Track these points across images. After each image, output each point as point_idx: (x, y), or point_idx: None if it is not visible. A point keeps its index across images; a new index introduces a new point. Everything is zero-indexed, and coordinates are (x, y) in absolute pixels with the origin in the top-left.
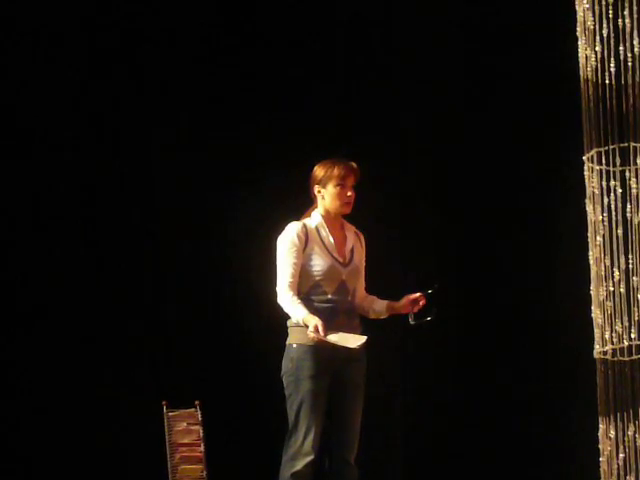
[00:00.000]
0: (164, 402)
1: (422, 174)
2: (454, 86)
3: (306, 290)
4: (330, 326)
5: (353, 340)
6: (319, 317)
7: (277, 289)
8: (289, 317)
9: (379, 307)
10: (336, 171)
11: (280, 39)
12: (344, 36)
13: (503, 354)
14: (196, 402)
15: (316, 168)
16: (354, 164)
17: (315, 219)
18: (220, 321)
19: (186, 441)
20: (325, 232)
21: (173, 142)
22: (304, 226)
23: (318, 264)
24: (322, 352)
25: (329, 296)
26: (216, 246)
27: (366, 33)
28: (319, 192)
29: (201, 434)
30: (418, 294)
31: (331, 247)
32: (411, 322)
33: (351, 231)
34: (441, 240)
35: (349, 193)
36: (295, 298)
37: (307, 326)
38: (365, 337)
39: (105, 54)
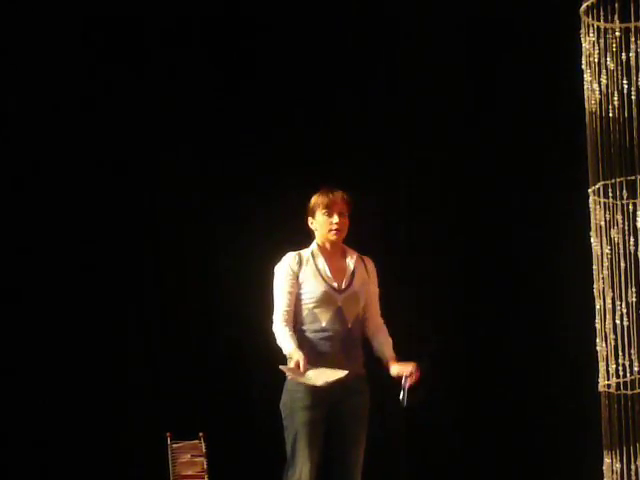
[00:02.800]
0: (168, 434)
1: (431, 211)
2: (459, 121)
3: (301, 320)
4: (324, 357)
5: (324, 376)
6: (310, 350)
7: (272, 318)
8: None
9: (382, 355)
10: (320, 199)
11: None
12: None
13: (507, 389)
14: (200, 434)
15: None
16: (341, 192)
17: (311, 248)
18: (224, 354)
19: (190, 473)
20: (320, 259)
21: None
22: (298, 255)
23: (311, 290)
24: (311, 386)
25: (323, 324)
26: (219, 279)
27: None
28: (312, 223)
29: (205, 466)
30: (409, 369)
31: (325, 273)
32: (403, 404)
33: (354, 257)
34: (448, 271)
35: (335, 220)
36: (286, 330)
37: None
38: (344, 372)
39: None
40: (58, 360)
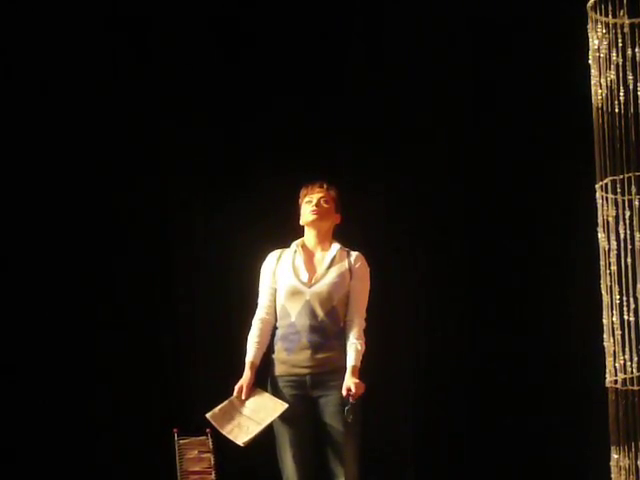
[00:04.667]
0: (175, 429)
1: (435, 205)
2: (464, 113)
3: (276, 315)
4: (293, 352)
5: (253, 425)
6: (282, 344)
7: None
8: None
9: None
10: (302, 190)
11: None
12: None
13: (515, 384)
14: (207, 430)
15: None
16: (323, 182)
17: (296, 242)
18: (232, 350)
19: (197, 469)
20: (299, 254)
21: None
22: (281, 251)
23: (282, 285)
24: (290, 381)
25: (292, 319)
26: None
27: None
28: (300, 217)
29: (212, 462)
30: (348, 386)
31: (297, 267)
32: (347, 417)
33: (335, 251)
34: (451, 268)
35: (314, 203)
36: (256, 333)
37: None
38: (284, 406)
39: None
40: (61, 353)
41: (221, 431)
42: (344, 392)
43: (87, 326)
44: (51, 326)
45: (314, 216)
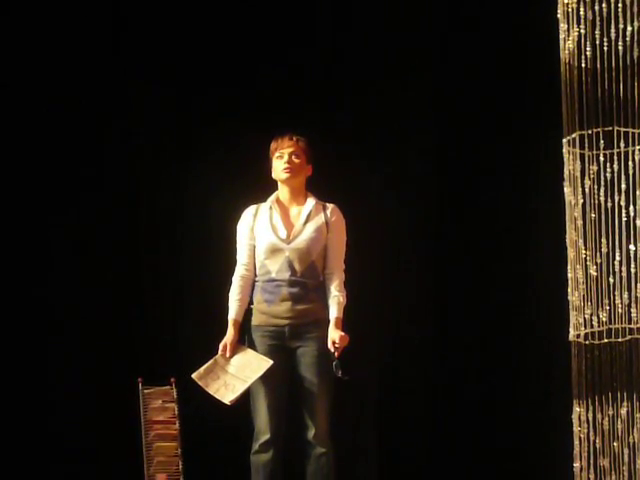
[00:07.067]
0: (139, 379)
1: (403, 161)
2: (432, 65)
3: (256, 271)
4: (274, 304)
5: (239, 384)
6: (262, 298)
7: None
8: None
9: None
10: (272, 144)
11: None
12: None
13: (477, 338)
14: (171, 379)
15: None
16: (292, 134)
17: (270, 199)
18: (198, 298)
19: (161, 418)
20: (275, 210)
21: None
22: (257, 207)
23: (260, 242)
24: (268, 331)
25: (272, 275)
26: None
27: None
28: (272, 174)
29: (176, 412)
30: (332, 339)
31: (275, 224)
32: (336, 374)
33: (311, 205)
34: (415, 226)
35: (285, 159)
36: (237, 290)
37: None
38: (269, 362)
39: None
40: (25, 302)
41: (207, 390)
42: (329, 345)
43: (51, 274)
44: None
45: (287, 174)
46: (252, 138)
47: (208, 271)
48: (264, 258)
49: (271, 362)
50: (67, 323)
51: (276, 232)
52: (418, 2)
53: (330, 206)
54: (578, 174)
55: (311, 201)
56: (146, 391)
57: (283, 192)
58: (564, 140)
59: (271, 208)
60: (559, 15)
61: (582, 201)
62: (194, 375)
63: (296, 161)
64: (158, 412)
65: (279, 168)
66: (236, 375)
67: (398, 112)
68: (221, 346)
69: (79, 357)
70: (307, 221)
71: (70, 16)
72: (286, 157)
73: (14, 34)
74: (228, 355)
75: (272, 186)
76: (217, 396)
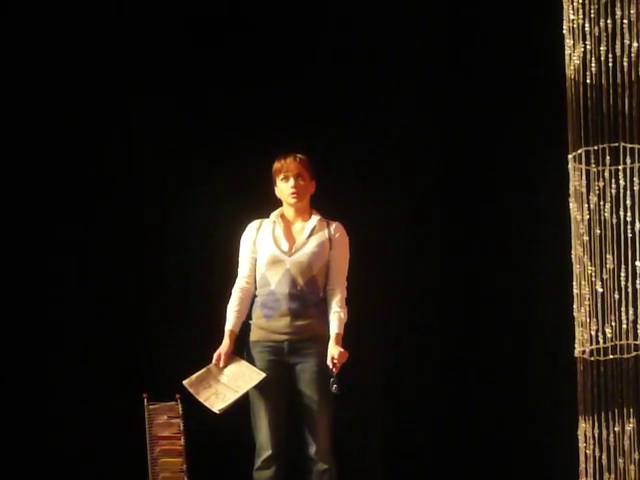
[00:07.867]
0: (145, 395)
1: (406, 177)
2: (437, 80)
3: (256, 284)
4: (273, 319)
5: (230, 393)
6: (261, 312)
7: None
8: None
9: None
10: (275, 167)
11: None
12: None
13: (482, 354)
14: (177, 395)
15: None
16: (292, 155)
17: (275, 213)
18: (204, 313)
19: (166, 434)
20: (279, 225)
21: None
22: (260, 221)
23: (262, 254)
24: (267, 347)
25: (272, 287)
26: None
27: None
28: (276, 192)
29: (181, 427)
30: (332, 355)
31: (277, 237)
32: (332, 390)
33: (314, 221)
34: (420, 237)
35: (291, 184)
36: (236, 301)
37: None
38: (261, 375)
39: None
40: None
41: (197, 398)
42: (329, 361)
43: (59, 291)
44: (16, 291)
45: (294, 199)
46: (256, 154)
47: (213, 287)
48: (265, 270)
49: (264, 375)
50: (72, 339)
51: (278, 244)
52: (423, 16)
53: (334, 223)
54: (584, 190)
55: (315, 217)
56: (151, 407)
57: (289, 211)
58: (570, 156)
59: (275, 222)
60: (564, 31)
61: (588, 217)
62: (185, 382)
63: (302, 183)
64: (163, 428)
65: (286, 192)
66: (228, 385)
67: (401, 129)
68: (215, 356)
69: (84, 373)
70: (310, 235)
71: (73, 18)
72: (292, 181)
73: (16, 35)
74: (222, 365)
75: (276, 201)
76: (207, 404)
